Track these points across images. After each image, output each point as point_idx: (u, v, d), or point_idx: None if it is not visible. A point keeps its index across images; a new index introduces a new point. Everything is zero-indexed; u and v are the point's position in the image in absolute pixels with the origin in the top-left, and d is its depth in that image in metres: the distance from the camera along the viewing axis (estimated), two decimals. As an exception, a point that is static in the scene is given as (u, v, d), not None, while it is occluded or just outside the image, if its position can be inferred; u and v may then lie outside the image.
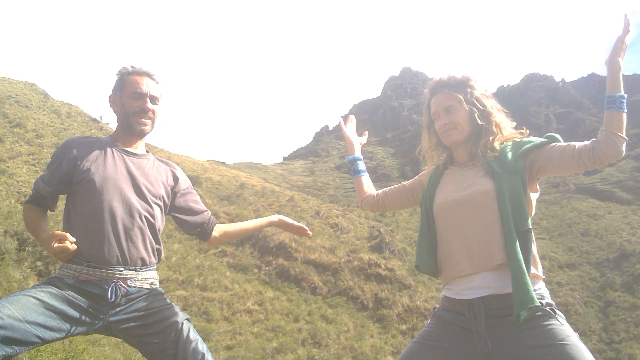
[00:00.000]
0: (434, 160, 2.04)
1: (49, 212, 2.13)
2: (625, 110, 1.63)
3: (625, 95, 1.65)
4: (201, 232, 2.25)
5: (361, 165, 2.32)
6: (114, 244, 1.94)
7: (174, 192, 2.20)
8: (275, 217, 2.35)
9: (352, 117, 2.50)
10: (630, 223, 42.78)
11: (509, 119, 1.94)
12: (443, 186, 1.93)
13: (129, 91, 2.08)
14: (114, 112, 2.14)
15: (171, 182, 2.20)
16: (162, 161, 2.25)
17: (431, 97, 1.97)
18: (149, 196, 2.06)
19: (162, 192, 2.14)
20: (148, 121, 2.11)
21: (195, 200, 2.26)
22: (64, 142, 2.08)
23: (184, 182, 2.26)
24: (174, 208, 2.21)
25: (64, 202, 2.07)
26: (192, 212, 2.23)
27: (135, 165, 2.09)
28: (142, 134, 2.13)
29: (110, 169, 2.01)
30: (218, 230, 2.29)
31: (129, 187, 2.02)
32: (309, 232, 2.33)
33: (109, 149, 2.07)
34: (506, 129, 1.89)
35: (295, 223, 2.32)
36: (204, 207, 2.28)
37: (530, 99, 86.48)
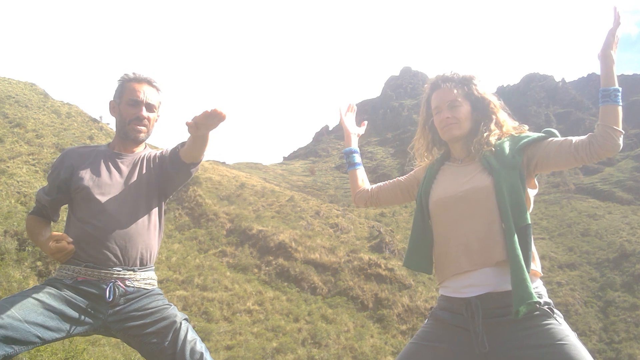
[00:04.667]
0: (429, 159, 2.02)
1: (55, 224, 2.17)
2: (621, 104, 1.63)
3: (620, 89, 1.64)
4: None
5: (357, 158, 2.24)
6: (110, 246, 1.97)
7: (161, 165, 2.13)
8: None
9: (353, 104, 2.40)
10: (630, 223, 42.83)
11: (511, 118, 1.92)
12: (440, 182, 1.90)
13: (126, 98, 2.10)
14: (114, 118, 2.17)
15: (157, 162, 2.14)
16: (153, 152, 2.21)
17: (432, 92, 1.94)
18: (144, 199, 2.08)
19: (157, 189, 2.13)
20: (143, 128, 2.13)
21: (172, 151, 2.12)
22: (62, 153, 2.16)
23: (164, 152, 2.15)
24: (167, 171, 2.11)
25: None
26: (177, 156, 2.08)
27: (128, 169, 2.11)
28: (137, 141, 2.15)
29: (104, 176, 2.05)
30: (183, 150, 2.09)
31: (124, 193, 2.05)
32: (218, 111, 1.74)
33: (103, 157, 2.11)
34: (506, 127, 1.87)
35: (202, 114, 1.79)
36: (175, 146, 2.12)
37: (530, 99, 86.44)
